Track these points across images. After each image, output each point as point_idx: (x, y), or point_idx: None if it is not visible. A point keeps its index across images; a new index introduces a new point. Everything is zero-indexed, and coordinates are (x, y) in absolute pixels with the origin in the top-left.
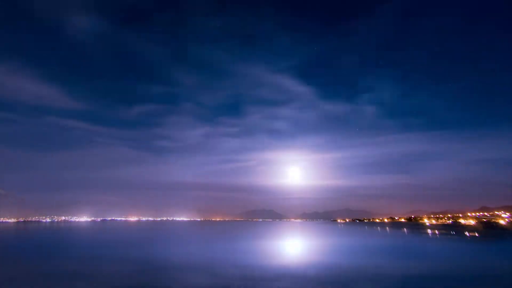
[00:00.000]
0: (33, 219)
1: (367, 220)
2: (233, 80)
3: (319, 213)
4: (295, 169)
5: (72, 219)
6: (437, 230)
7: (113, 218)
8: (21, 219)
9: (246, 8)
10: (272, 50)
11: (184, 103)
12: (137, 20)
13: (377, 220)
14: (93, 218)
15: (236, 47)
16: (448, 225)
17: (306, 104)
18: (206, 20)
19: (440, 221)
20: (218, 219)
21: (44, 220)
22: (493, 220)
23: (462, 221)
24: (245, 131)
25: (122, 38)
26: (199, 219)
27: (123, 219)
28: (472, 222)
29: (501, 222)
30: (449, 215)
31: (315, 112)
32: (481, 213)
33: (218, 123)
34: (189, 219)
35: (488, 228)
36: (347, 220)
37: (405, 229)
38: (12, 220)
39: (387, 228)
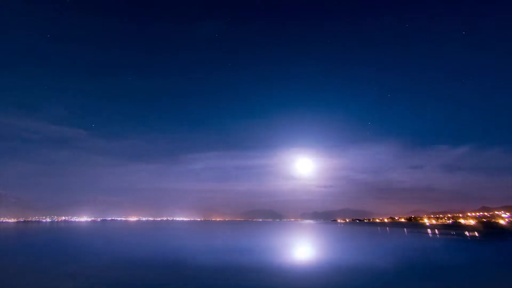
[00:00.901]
0: (33, 219)
1: (367, 220)
2: None
3: (319, 213)
4: (296, 169)
5: (72, 219)
6: (437, 230)
7: (113, 218)
8: (21, 219)
9: None
10: None
11: None
12: None
13: (377, 220)
14: (93, 218)
15: None
16: (448, 225)
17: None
18: None
19: (440, 221)
20: (218, 219)
21: (44, 220)
22: (493, 220)
23: (462, 221)
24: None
25: None
26: (199, 219)
27: (123, 219)
28: (472, 222)
29: (501, 222)
30: (449, 215)
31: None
32: (481, 213)
33: None
34: (189, 219)
35: (488, 228)
36: (347, 220)
37: (405, 229)
38: (12, 220)
39: (387, 228)
